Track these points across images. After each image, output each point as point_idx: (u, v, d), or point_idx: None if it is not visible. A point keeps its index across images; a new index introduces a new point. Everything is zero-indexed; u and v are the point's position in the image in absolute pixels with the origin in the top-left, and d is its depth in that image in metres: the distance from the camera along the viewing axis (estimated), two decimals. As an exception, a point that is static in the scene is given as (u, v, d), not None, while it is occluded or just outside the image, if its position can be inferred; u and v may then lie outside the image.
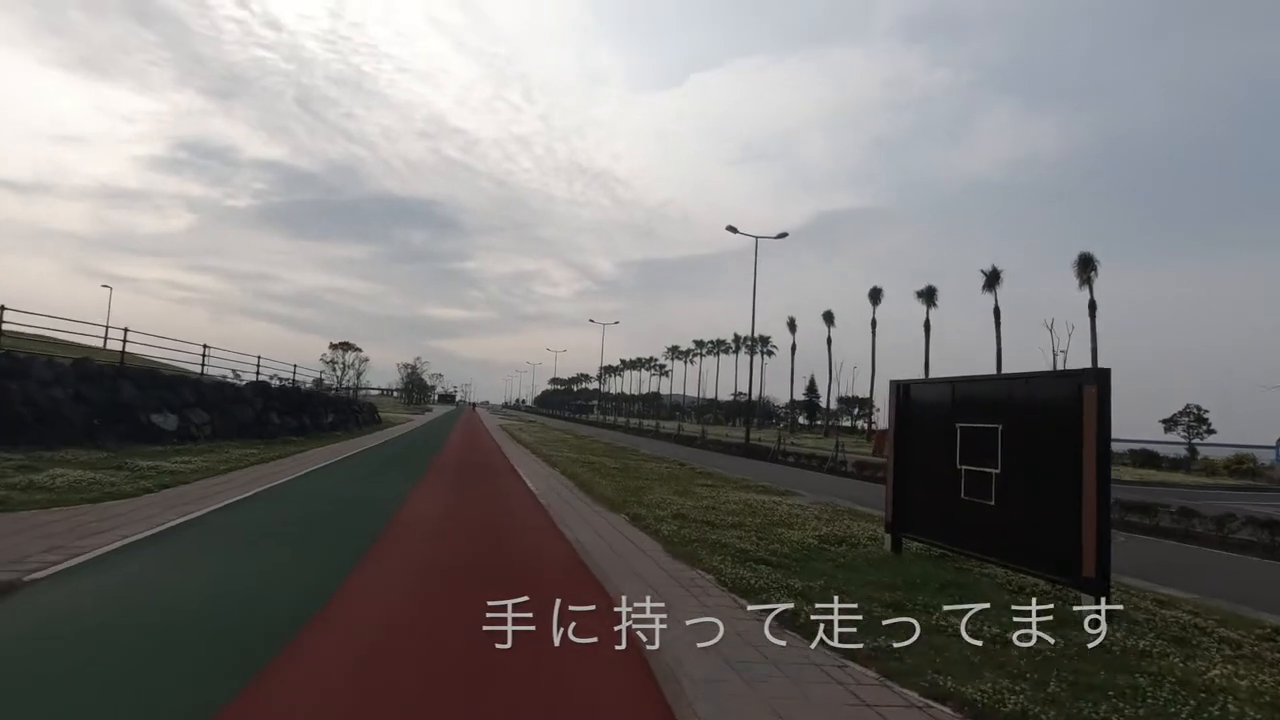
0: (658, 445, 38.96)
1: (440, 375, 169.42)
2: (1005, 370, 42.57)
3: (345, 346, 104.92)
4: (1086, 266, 47.49)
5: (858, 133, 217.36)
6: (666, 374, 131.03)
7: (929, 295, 56.10)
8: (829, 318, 74.35)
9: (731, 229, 33.57)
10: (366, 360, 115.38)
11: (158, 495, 9.82)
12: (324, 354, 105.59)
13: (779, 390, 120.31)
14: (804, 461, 27.92)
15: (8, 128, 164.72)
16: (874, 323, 65.50)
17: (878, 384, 64.90)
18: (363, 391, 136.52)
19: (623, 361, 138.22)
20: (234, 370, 26.08)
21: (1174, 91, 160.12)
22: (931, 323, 55.94)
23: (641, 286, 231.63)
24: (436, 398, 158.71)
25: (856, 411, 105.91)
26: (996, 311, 50.01)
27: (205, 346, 23.57)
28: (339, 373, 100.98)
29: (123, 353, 17.91)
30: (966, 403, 8.06)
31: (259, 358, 26.61)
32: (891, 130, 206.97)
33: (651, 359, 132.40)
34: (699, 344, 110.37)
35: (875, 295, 65.15)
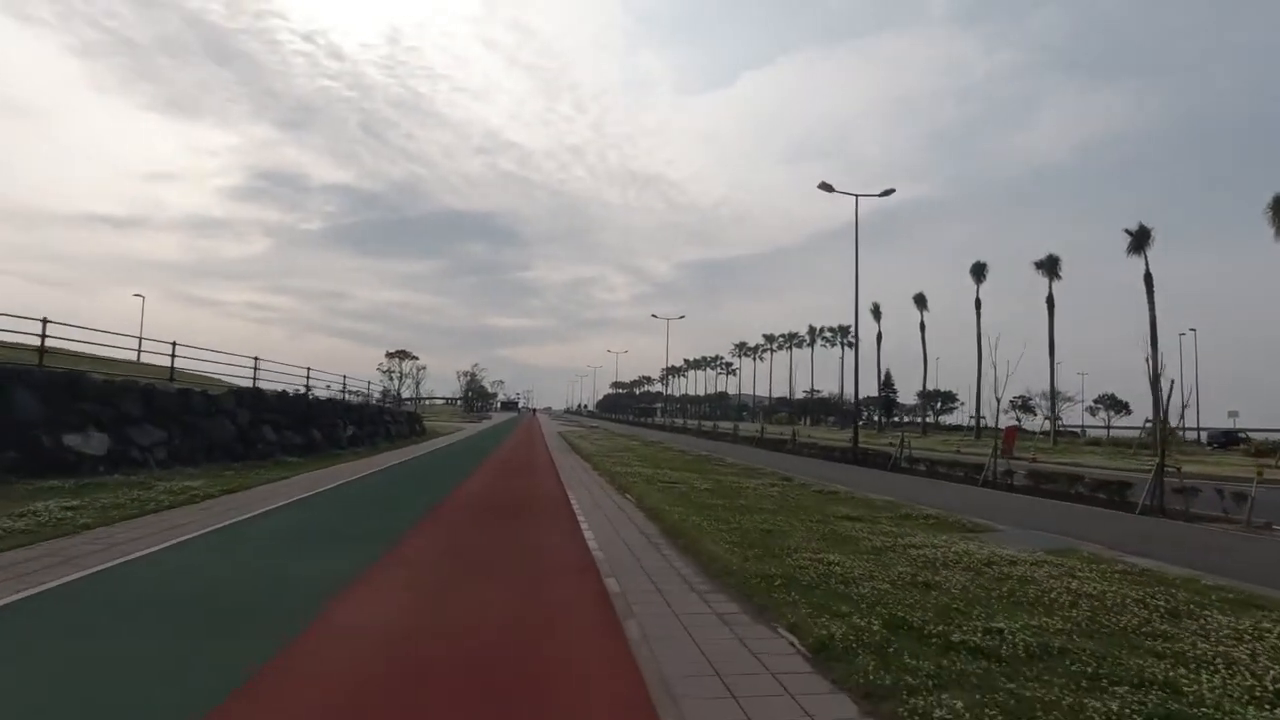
0: (740, 451, 33.14)
1: (501, 382, 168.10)
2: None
3: (402, 355, 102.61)
4: (1141, 241, 39.42)
5: (914, 123, 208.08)
6: (733, 372, 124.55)
7: (1050, 266, 47.70)
8: (921, 300, 66.37)
9: (826, 186, 27.54)
10: (424, 369, 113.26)
11: None
12: (380, 364, 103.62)
13: (850, 385, 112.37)
14: (942, 471, 21.61)
15: (108, 168, 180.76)
16: (978, 302, 57.29)
17: (988, 372, 56.95)
18: (425, 401, 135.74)
19: (686, 361, 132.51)
20: (305, 386, 21.96)
21: (1254, 59, 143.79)
22: (1033, 302, 48.30)
23: (698, 288, 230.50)
24: (499, 405, 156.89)
25: (940, 406, 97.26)
26: (1148, 279, 41.28)
27: (255, 359, 19.44)
28: (396, 382, 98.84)
29: (41, 350, 13.37)
30: None
31: (308, 369, 22.58)
32: (950, 119, 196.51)
33: (717, 357, 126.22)
34: (769, 339, 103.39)
35: (979, 271, 57.00)
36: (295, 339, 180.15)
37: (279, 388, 21.23)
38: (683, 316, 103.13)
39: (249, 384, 21.32)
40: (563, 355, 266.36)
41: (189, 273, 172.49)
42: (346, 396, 27.00)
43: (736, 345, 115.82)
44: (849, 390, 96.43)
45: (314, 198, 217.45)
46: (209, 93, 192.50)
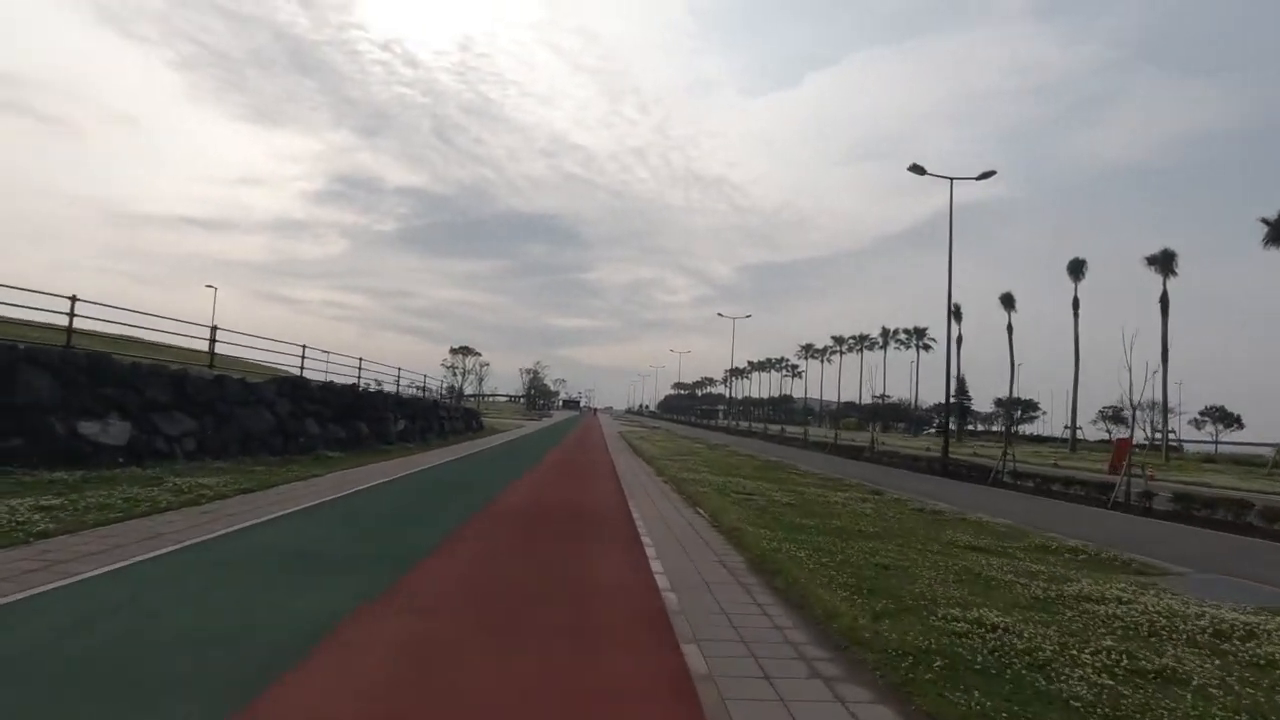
0: (812, 458, 30.70)
1: (563, 381, 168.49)
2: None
3: (465, 351, 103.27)
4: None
5: (983, 122, 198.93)
6: (799, 375, 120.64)
7: (1165, 262, 42.54)
8: (1008, 301, 61.64)
9: (916, 169, 24.90)
10: (486, 365, 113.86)
11: None
12: (444, 359, 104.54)
13: (924, 390, 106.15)
14: (1056, 489, 18.82)
15: (200, 173, 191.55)
16: (1076, 301, 52.33)
17: (1083, 378, 52.11)
18: (488, 398, 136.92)
19: (750, 363, 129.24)
20: (357, 377, 21.15)
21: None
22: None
23: (759, 291, 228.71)
24: (560, 403, 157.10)
25: (1020, 414, 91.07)
26: None
27: (304, 347, 18.59)
28: (459, 378, 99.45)
29: (70, 330, 12.41)
30: None
31: (359, 360, 21.59)
32: (1022, 117, 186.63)
33: (782, 359, 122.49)
34: (837, 340, 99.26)
35: (1077, 269, 52.17)
36: (367, 336, 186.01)
37: (330, 379, 20.31)
38: (749, 316, 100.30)
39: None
40: (623, 356, 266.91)
41: (271, 272, 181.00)
42: (399, 390, 25.94)
43: (803, 347, 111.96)
44: (923, 395, 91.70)
45: (387, 200, 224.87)
46: (293, 101, 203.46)
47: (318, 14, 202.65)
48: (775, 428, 62.23)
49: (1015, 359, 63.02)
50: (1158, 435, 38.81)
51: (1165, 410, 43.81)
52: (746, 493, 14.20)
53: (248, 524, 7.66)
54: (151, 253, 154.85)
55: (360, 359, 21.97)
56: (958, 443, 63.54)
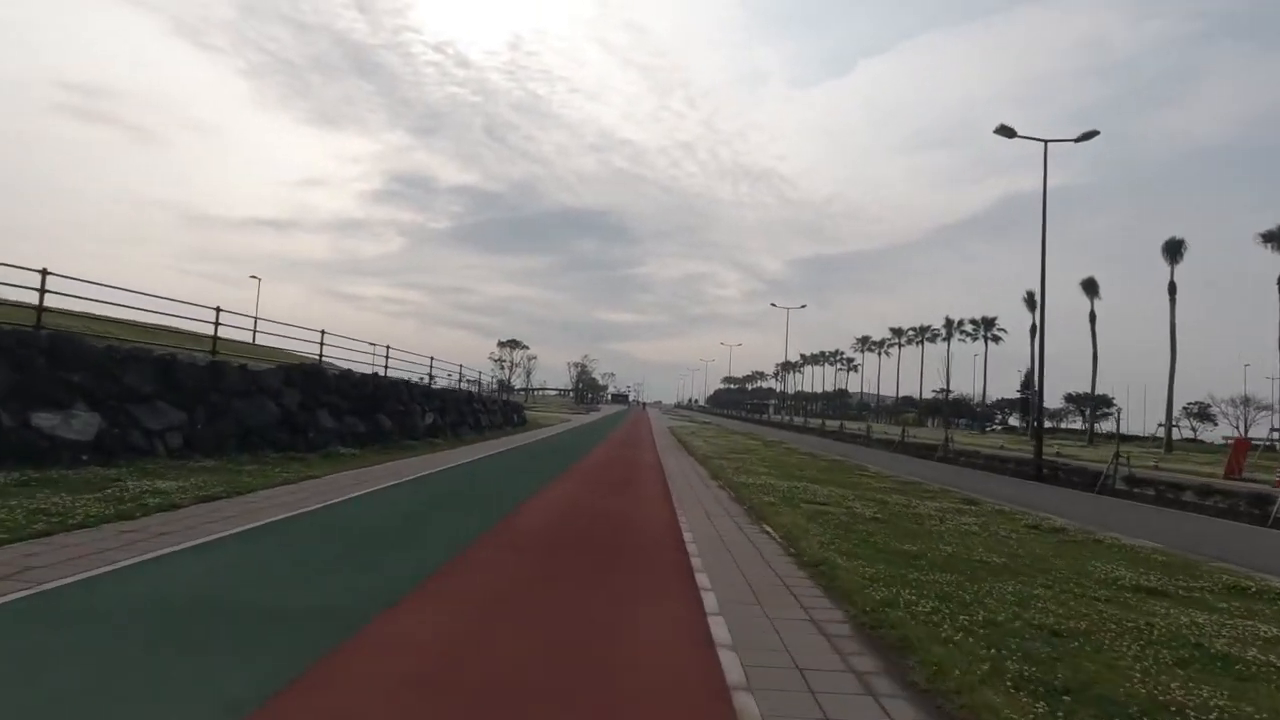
0: (877, 457, 27.95)
1: (612, 375, 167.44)
2: None
3: (513, 345, 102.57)
4: None
5: (1050, 105, 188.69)
6: (855, 369, 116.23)
7: None
8: (1091, 287, 56.70)
9: (1006, 130, 21.90)
10: (534, 358, 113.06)
11: None
12: (491, 353, 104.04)
13: (990, 382, 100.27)
14: (1189, 500, 15.84)
15: (269, 177, 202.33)
16: (1173, 286, 47.22)
17: (1181, 373, 47.28)
18: (537, 392, 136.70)
19: (803, 356, 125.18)
20: (384, 366, 19.74)
21: None
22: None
23: (810, 285, 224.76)
24: (609, 397, 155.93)
25: (1090, 411, 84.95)
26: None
27: (323, 332, 17.18)
28: (508, 371, 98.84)
29: (40, 309, 10.88)
30: None
31: (388, 348, 19.89)
32: (1092, 99, 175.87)
33: (837, 352, 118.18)
34: (896, 332, 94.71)
35: (1174, 250, 47.20)
36: (423, 330, 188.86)
37: (353, 368, 18.77)
38: (804, 306, 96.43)
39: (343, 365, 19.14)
40: (673, 350, 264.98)
41: (334, 270, 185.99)
42: (431, 380, 24.30)
43: (859, 339, 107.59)
44: (993, 389, 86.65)
45: (441, 198, 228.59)
46: (352, 104, 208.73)
47: (374, 18, 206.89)
48: (833, 423, 58.99)
49: (1098, 350, 58.01)
50: (1274, 434, 34.43)
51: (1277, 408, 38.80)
52: (819, 502, 11.87)
53: (171, 549, 5.75)
54: (227, 254, 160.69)
55: (388, 348, 20.34)
56: (1029, 440, 59.30)
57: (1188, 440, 70.60)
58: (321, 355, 17.05)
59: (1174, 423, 71.11)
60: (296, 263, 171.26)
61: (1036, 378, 23.27)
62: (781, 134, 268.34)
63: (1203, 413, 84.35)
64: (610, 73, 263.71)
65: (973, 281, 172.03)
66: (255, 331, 17.71)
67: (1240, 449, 26.60)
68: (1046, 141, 22.41)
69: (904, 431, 36.35)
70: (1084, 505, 15.32)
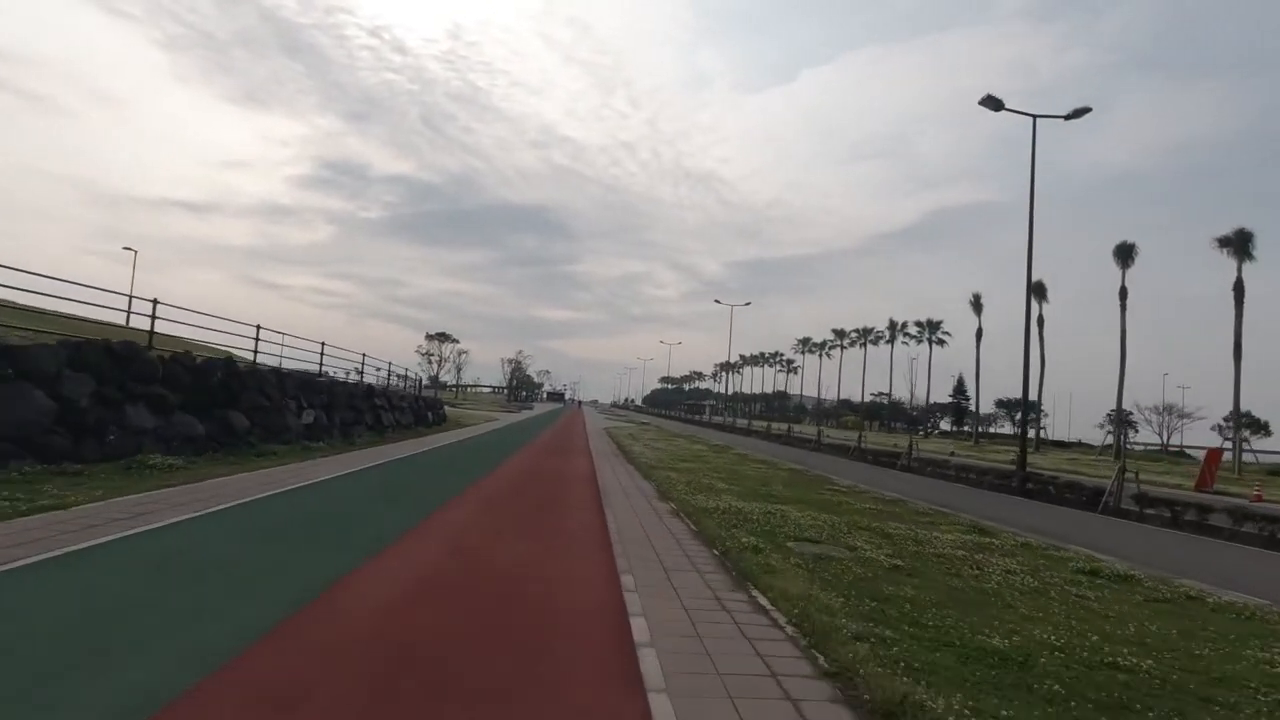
0: (835, 464, 25.29)
1: (548, 373, 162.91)
2: None
3: (442, 338, 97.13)
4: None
5: (977, 124, 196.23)
6: (794, 370, 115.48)
7: (1240, 244, 36.03)
8: (1039, 291, 56.14)
9: (992, 101, 19.45)
10: (465, 353, 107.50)
11: None
12: (419, 346, 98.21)
13: (930, 387, 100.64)
14: (1211, 524, 13.46)
15: (188, 156, 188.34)
16: (1124, 291, 46.42)
17: (1100, 380, 47.05)
18: (469, 389, 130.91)
19: (743, 357, 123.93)
20: (252, 351, 15.64)
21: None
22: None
23: (748, 287, 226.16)
24: (545, 395, 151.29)
25: (1025, 417, 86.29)
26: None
27: (155, 302, 13.20)
28: (436, 366, 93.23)
29: None
30: None
31: (257, 327, 15.61)
32: (1015, 119, 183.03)
33: (777, 354, 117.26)
34: (839, 334, 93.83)
35: (1125, 253, 46.13)
36: (354, 324, 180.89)
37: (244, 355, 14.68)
38: (748, 304, 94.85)
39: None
40: (610, 349, 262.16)
41: (258, 257, 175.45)
42: (325, 373, 20.13)
43: (800, 341, 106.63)
44: (934, 393, 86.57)
45: (375, 187, 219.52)
46: (281, 85, 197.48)
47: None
48: (780, 426, 56.66)
49: (1045, 354, 57.36)
50: (1226, 443, 33.54)
51: (1238, 416, 37.77)
52: (809, 538, 8.72)
53: None
54: (140, 235, 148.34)
55: (258, 327, 16.15)
56: (975, 447, 58.39)
57: (1107, 448, 72.09)
58: (153, 332, 12.90)
59: (1099, 427, 72.16)
60: (217, 248, 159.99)
61: (1024, 382, 20.87)
62: (724, 137, 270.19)
63: (1127, 420, 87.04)
64: (553, 68, 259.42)
65: (903, 291, 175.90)
66: (129, 313, 13.65)
67: (1213, 460, 25.11)
68: (1035, 116, 20.09)
69: (860, 437, 33.94)
70: (1106, 532, 12.74)
